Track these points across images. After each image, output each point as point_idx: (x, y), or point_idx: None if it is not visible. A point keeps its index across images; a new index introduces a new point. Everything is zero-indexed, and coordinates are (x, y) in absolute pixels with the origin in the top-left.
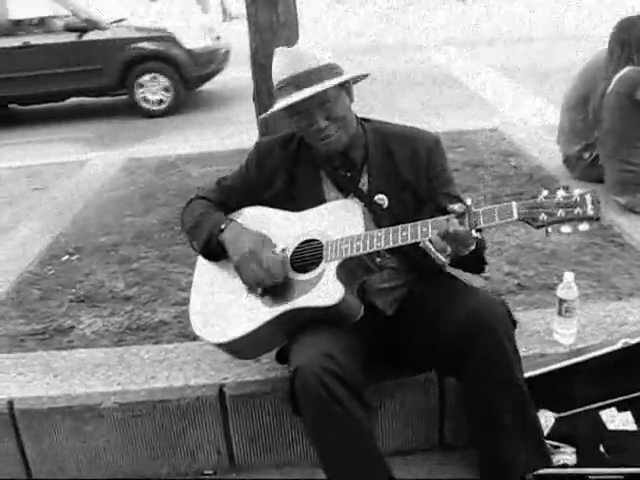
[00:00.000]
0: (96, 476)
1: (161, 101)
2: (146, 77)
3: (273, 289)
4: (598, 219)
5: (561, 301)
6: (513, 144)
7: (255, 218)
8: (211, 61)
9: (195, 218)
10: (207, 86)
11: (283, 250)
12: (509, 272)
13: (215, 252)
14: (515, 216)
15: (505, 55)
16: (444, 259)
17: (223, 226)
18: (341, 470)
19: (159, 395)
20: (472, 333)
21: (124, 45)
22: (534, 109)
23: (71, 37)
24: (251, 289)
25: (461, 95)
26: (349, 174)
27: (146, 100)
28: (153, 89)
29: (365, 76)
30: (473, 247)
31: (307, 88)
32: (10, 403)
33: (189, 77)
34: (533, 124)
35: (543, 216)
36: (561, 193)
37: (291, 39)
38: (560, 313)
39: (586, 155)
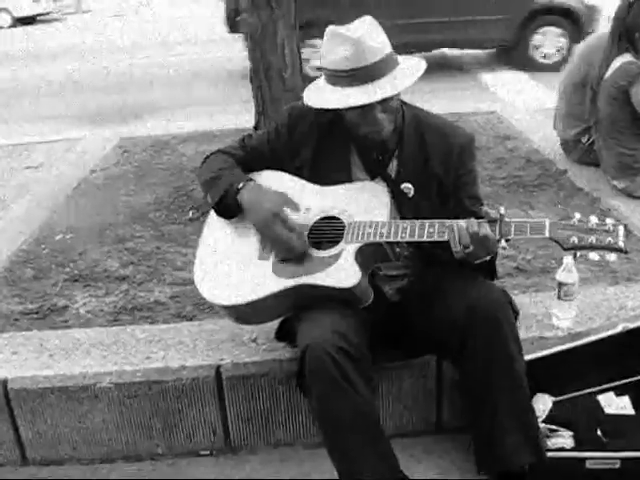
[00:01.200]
0: (91, 456)
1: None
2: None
3: (288, 258)
4: (627, 252)
5: (560, 285)
6: (510, 127)
7: (275, 183)
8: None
9: (213, 172)
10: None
11: (307, 210)
12: (508, 255)
13: (229, 210)
14: (547, 234)
15: None
16: (462, 256)
17: (241, 185)
18: (346, 448)
19: (155, 376)
20: (473, 322)
21: None
22: (532, 93)
23: None
24: (264, 254)
25: (458, 78)
26: (380, 157)
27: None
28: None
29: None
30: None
31: (374, 82)
32: (4, 383)
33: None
34: (531, 108)
35: (574, 239)
36: (594, 219)
37: (288, 18)
38: (559, 297)
39: (584, 139)
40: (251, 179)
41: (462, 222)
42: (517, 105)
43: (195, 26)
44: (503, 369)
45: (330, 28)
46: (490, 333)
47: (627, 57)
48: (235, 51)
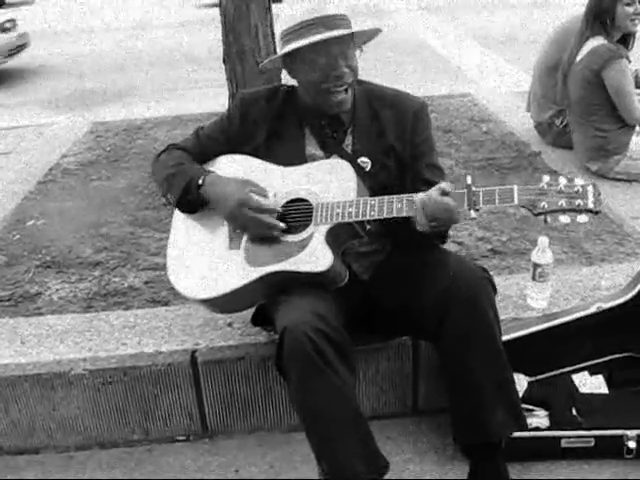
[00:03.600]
0: (67, 444)
1: None
2: None
3: (260, 243)
4: (598, 212)
5: (535, 265)
6: (485, 110)
7: (234, 169)
8: None
9: (167, 169)
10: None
11: (274, 195)
12: (482, 237)
13: (193, 205)
14: (515, 201)
15: (479, 22)
16: (427, 230)
17: (201, 180)
18: (325, 431)
19: (130, 361)
20: (453, 298)
21: None
22: (506, 76)
23: None
24: (234, 244)
25: (433, 61)
26: (335, 134)
27: None
28: None
29: (379, 31)
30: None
31: (336, 30)
32: None
33: None
34: (505, 91)
35: (544, 204)
36: (563, 182)
37: (261, 1)
38: (534, 278)
39: (558, 121)
40: (209, 171)
41: (424, 195)
42: (491, 88)
43: (168, 8)
44: (485, 343)
45: None
46: (470, 308)
47: (599, 40)
48: (209, 33)
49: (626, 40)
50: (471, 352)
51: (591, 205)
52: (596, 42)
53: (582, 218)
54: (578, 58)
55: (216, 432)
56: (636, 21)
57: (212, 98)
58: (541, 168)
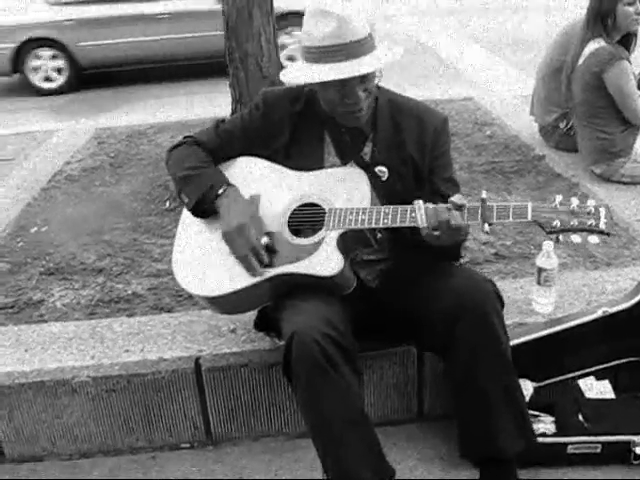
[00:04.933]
0: (71, 451)
1: None
2: None
3: (268, 249)
4: (609, 234)
5: (540, 270)
6: (488, 113)
7: (250, 172)
8: None
9: (187, 169)
10: None
11: (270, 237)
12: (486, 241)
13: (204, 211)
14: (529, 218)
15: (481, 25)
16: (432, 240)
17: (221, 191)
18: (332, 437)
19: (133, 369)
20: (461, 312)
21: None
22: (510, 79)
23: None
24: None
25: (436, 65)
26: (354, 141)
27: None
28: None
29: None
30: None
31: (358, 59)
32: None
33: None
34: (508, 94)
35: (557, 222)
36: (576, 202)
37: (264, 5)
38: (539, 282)
39: (562, 124)
40: (230, 184)
41: (439, 206)
42: (495, 91)
43: None
44: (493, 357)
45: (313, 4)
46: (478, 322)
47: (599, 42)
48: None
49: (628, 42)
50: (480, 368)
51: (603, 226)
52: (596, 44)
53: (593, 239)
54: (580, 61)
55: (220, 439)
56: (636, 21)
57: (216, 103)
58: (545, 172)
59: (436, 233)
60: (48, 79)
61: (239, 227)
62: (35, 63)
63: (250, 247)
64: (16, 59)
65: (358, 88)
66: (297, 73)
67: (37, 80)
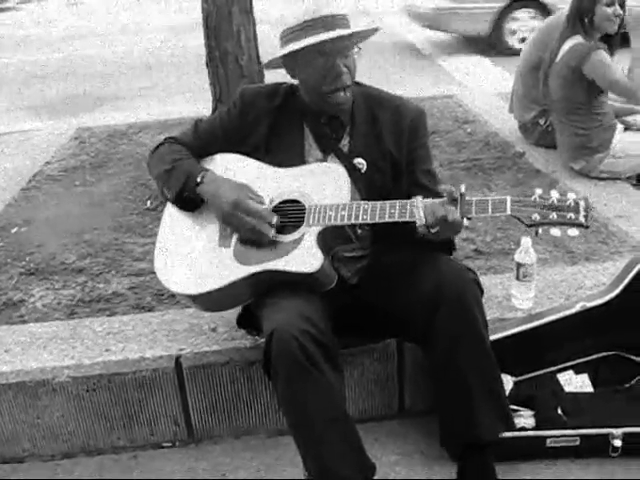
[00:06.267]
0: (52, 452)
1: None
2: None
3: (251, 243)
4: (588, 227)
5: (519, 265)
6: (469, 111)
7: (229, 168)
8: None
9: (166, 163)
10: None
11: (271, 201)
12: (466, 238)
13: (189, 203)
14: (508, 211)
15: None
16: (428, 236)
17: (199, 178)
18: (313, 434)
19: (114, 368)
20: (440, 300)
21: None
22: (490, 77)
23: None
24: (225, 241)
25: (416, 62)
26: (333, 134)
27: None
28: None
29: (377, 30)
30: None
31: (338, 29)
32: None
33: None
34: (489, 91)
35: (536, 216)
36: (555, 195)
37: (243, 4)
38: (518, 278)
39: (541, 121)
40: (207, 169)
41: (428, 202)
42: (475, 89)
43: (152, 14)
44: (473, 345)
45: None
46: (458, 311)
47: (577, 39)
48: (193, 38)
49: (610, 44)
50: (460, 354)
51: (582, 219)
52: (574, 41)
53: (573, 232)
54: (558, 57)
55: (202, 437)
56: (614, 22)
57: (196, 102)
58: (525, 168)
59: (433, 230)
60: (524, 40)
61: (234, 203)
62: (512, 25)
63: (255, 214)
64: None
65: (339, 61)
66: (280, 52)
67: (513, 41)
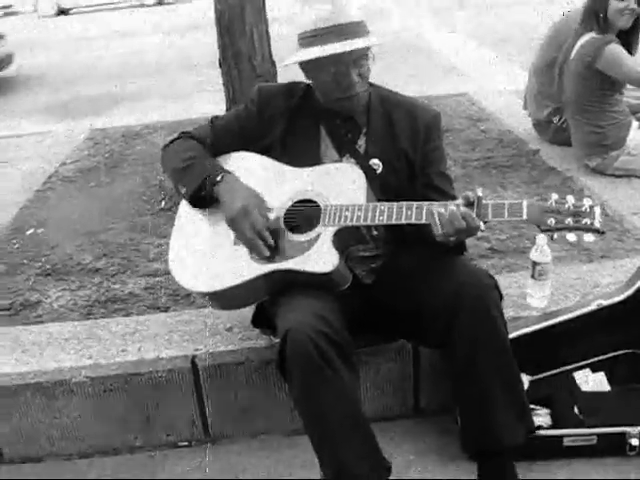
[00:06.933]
0: (69, 451)
1: None
2: None
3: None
4: (603, 233)
5: (534, 264)
6: (483, 109)
7: (246, 167)
8: None
9: (183, 160)
10: None
11: (277, 218)
12: (481, 236)
13: (204, 201)
14: (524, 216)
15: (477, 20)
16: (443, 240)
17: (219, 178)
18: (328, 433)
19: (131, 368)
20: (460, 305)
21: None
22: (504, 74)
23: None
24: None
25: (430, 60)
26: (349, 134)
27: None
28: None
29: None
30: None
31: (350, 40)
32: None
33: None
34: (503, 89)
35: (552, 220)
36: (571, 200)
37: (256, 3)
38: (533, 276)
39: (556, 119)
40: (227, 171)
41: (441, 209)
42: (489, 86)
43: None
44: (494, 350)
45: None
46: (478, 315)
47: (591, 34)
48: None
49: (629, 42)
50: (481, 361)
51: (597, 225)
52: (588, 37)
53: (588, 237)
54: (572, 54)
55: (218, 437)
56: (628, 17)
57: (210, 102)
58: (540, 166)
59: (452, 239)
60: None
61: (243, 209)
62: None
63: (256, 229)
64: None
65: (352, 71)
66: (292, 58)
67: None
